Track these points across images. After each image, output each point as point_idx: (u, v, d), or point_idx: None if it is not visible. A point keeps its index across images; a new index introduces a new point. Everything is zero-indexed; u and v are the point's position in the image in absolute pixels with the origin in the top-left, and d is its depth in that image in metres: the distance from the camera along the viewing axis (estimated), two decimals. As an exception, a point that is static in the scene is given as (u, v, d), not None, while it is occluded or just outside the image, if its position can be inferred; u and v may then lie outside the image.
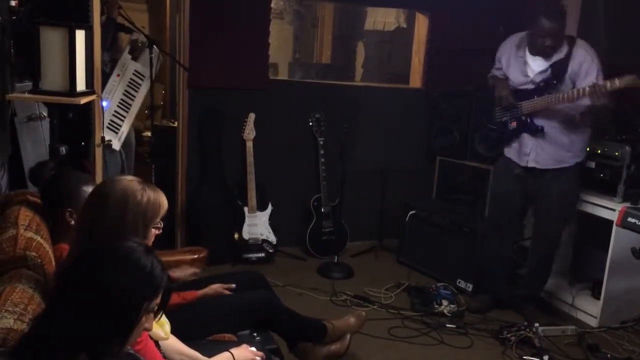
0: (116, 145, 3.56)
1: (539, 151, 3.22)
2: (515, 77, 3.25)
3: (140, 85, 3.63)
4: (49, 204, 1.95)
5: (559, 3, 3.12)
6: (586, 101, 3.01)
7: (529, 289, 3.49)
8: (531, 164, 3.24)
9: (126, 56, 3.61)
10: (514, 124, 3.29)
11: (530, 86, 3.19)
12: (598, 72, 3.04)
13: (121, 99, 3.57)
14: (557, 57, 3.10)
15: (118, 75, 3.57)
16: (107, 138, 3.49)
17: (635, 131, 3.42)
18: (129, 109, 3.61)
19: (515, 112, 3.26)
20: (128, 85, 3.61)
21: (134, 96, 3.62)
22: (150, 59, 3.46)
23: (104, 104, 3.47)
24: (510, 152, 3.38)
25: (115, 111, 3.56)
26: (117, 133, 3.57)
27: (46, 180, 2.01)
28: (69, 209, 1.87)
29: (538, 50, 3.12)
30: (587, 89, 2.92)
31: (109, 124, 3.51)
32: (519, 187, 3.34)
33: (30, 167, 2.19)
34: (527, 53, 3.20)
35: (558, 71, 3.10)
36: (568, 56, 3.08)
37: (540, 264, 3.43)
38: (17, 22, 2.29)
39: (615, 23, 3.73)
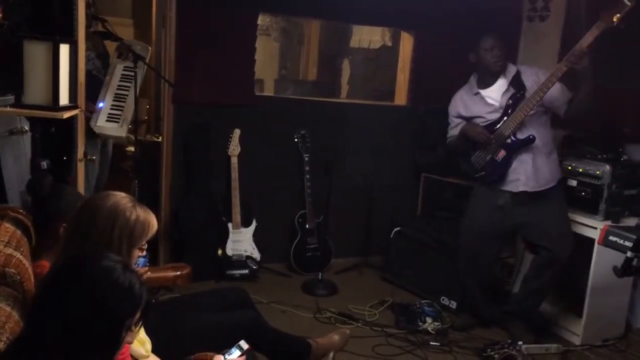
0: (122, 131, 3.50)
1: (529, 173, 3.19)
2: (481, 112, 3.31)
3: (132, 75, 3.51)
4: (44, 218, 1.92)
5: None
6: (555, 91, 3.06)
7: (524, 307, 3.41)
8: (522, 188, 3.21)
9: (116, 61, 3.58)
10: (502, 154, 3.23)
11: (499, 112, 3.24)
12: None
13: (116, 93, 3.52)
14: (509, 75, 3.25)
15: (109, 77, 3.53)
16: (110, 130, 3.46)
17: (616, 150, 3.46)
18: (126, 98, 3.54)
19: (498, 140, 3.22)
20: (121, 80, 3.55)
21: (128, 86, 3.55)
22: (135, 73, 3.44)
23: (100, 105, 3.45)
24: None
25: (112, 105, 3.50)
26: (118, 122, 3.49)
27: (46, 194, 1.99)
28: (64, 225, 1.84)
29: (491, 72, 3.26)
30: (564, 61, 2.93)
31: (108, 117, 3.46)
32: (501, 218, 3.30)
33: (29, 179, 2.18)
34: (480, 90, 3.32)
35: (518, 83, 3.21)
36: (518, 73, 3.24)
37: (544, 285, 3.36)
38: (1, 35, 2.27)
39: (602, 52, 3.75)
